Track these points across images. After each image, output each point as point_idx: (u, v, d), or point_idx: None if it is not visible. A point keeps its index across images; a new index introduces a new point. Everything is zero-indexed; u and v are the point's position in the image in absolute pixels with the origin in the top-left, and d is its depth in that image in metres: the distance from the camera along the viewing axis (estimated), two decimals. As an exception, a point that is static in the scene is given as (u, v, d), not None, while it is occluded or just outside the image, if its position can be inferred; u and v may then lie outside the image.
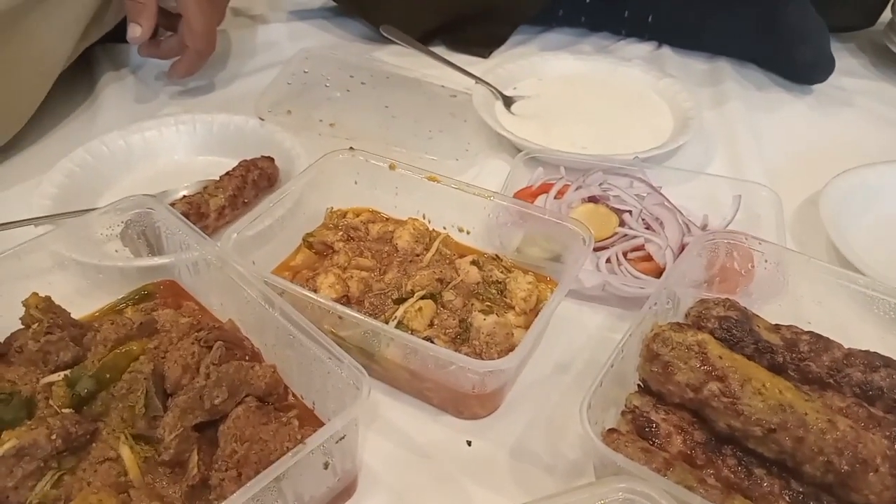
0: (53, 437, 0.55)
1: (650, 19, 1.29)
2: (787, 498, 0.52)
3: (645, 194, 0.84)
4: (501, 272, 0.73)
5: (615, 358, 0.56)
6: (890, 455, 0.52)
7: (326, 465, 0.56)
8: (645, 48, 1.30)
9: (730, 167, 1.00)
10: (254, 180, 0.91)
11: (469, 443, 0.65)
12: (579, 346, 0.74)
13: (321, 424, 0.58)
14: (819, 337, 0.62)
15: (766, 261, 0.70)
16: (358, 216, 0.82)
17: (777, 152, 1.05)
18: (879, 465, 0.51)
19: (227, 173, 0.91)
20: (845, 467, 0.51)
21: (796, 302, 0.70)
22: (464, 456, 0.64)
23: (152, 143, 1.00)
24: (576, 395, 0.68)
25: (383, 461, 0.63)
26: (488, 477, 0.62)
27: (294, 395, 0.64)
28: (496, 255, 0.75)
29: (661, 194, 0.84)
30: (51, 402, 0.61)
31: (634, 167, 0.88)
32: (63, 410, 0.59)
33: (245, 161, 0.93)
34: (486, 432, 0.66)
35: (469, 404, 0.65)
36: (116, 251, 0.79)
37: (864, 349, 0.62)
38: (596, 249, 0.78)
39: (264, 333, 0.67)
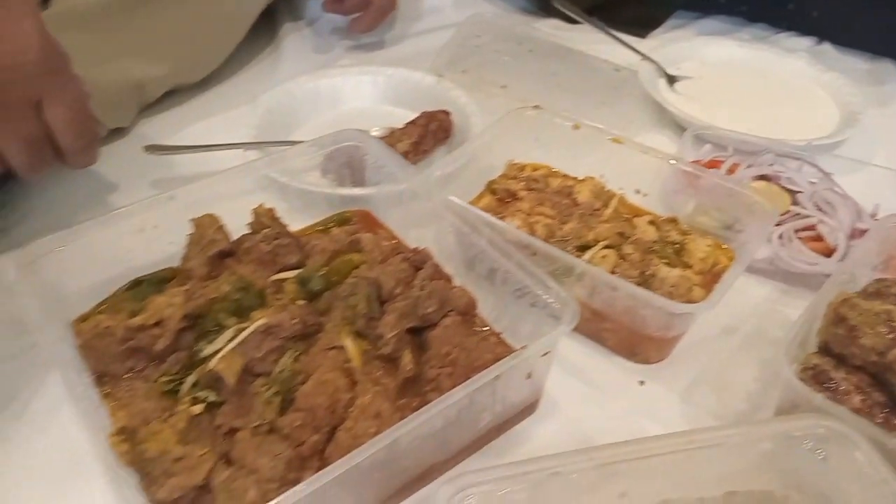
0: (294, 320, 0.64)
1: (815, 14, 1.29)
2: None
3: (816, 179, 0.87)
4: (679, 234, 0.77)
5: (807, 316, 0.60)
6: None
7: (529, 375, 0.62)
8: (805, 42, 1.30)
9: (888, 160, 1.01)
10: (433, 131, 0.99)
11: (642, 382, 0.70)
12: (746, 314, 0.77)
13: (510, 348, 0.65)
14: None
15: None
16: (536, 170, 0.88)
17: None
18: None
19: (412, 122, 0.99)
20: None
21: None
22: (636, 394, 0.70)
23: (339, 89, 1.09)
24: (743, 355, 0.73)
25: (560, 389, 0.69)
26: (660, 415, 0.68)
27: (483, 321, 0.71)
28: (673, 217, 0.80)
29: (832, 180, 0.87)
30: (279, 297, 0.70)
31: (805, 152, 0.91)
32: (297, 302, 0.68)
33: (426, 112, 1.00)
34: (658, 376, 0.71)
35: (645, 347, 0.71)
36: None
37: None
38: (769, 225, 0.82)
39: (458, 263, 0.74)
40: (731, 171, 0.88)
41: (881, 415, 0.58)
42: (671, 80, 1.12)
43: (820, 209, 0.83)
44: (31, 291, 0.64)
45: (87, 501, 0.60)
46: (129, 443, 0.55)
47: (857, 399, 0.59)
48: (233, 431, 0.59)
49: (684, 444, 0.51)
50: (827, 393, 0.59)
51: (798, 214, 0.82)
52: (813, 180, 0.87)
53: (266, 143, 0.95)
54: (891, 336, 0.59)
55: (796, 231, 0.81)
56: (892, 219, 0.73)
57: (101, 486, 0.60)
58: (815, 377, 0.61)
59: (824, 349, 0.64)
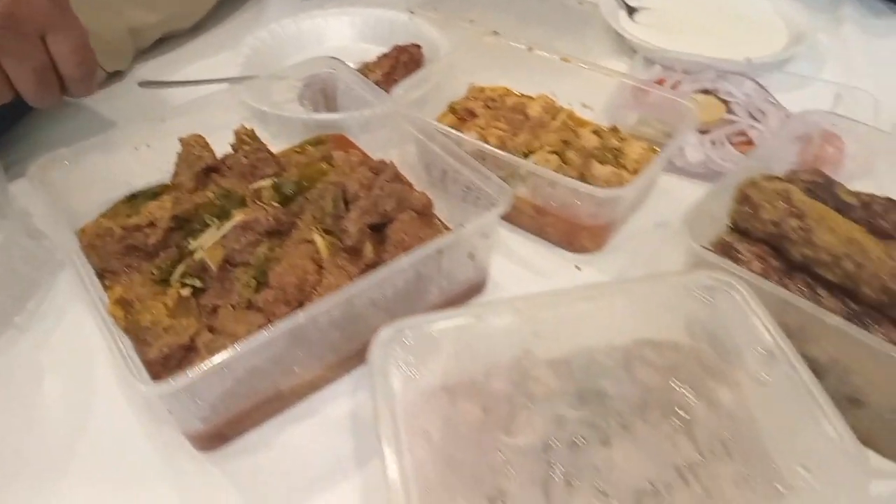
0: (269, 217, 0.73)
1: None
2: (843, 314, 0.64)
3: (753, 92, 0.94)
4: (618, 141, 0.85)
5: (715, 189, 0.69)
6: (937, 286, 0.62)
7: (471, 256, 0.71)
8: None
9: (836, 78, 1.07)
10: (404, 62, 1.07)
11: (578, 268, 0.79)
12: (679, 212, 0.84)
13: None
14: (892, 201, 0.72)
15: (856, 142, 0.79)
16: (494, 91, 0.96)
17: (887, 74, 1.10)
18: (927, 292, 0.62)
19: (384, 54, 1.07)
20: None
21: (881, 184, 0.79)
22: (572, 277, 0.78)
23: (320, 29, 1.17)
24: (671, 245, 0.81)
25: (507, 275, 0.78)
26: (595, 292, 0.76)
27: (440, 220, 0.80)
28: (614, 127, 0.88)
29: (767, 91, 0.94)
30: (258, 202, 0.79)
31: (746, 69, 0.98)
32: (273, 203, 0.77)
33: (398, 46, 1.09)
34: (594, 263, 0.80)
35: (581, 238, 0.79)
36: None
37: (934, 214, 0.71)
38: (703, 132, 0.90)
39: (415, 169, 0.83)
40: (674, 86, 0.95)
41: (777, 277, 0.67)
42: (631, 11, 1.19)
43: (752, 117, 0.90)
44: (44, 201, 0.74)
45: (97, 377, 0.70)
46: (126, 312, 0.65)
47: (757, 265, 0.68)
48: (216, 309, 0.68)
49: (592, 294, 0.60)
50: (732, 262, 0.68)
51: (731, 121, 0.89)
52: (750, 93, 0.94)
53: (250, 77, 1.04)
54: (786, 208, 0.68)
55: (729, 137, 0.89)
56: (811, 114, 0.80)
57: (105, 360, 0.70)
58: (723, 249, 0.70)
59: (733, 227, 0.72)
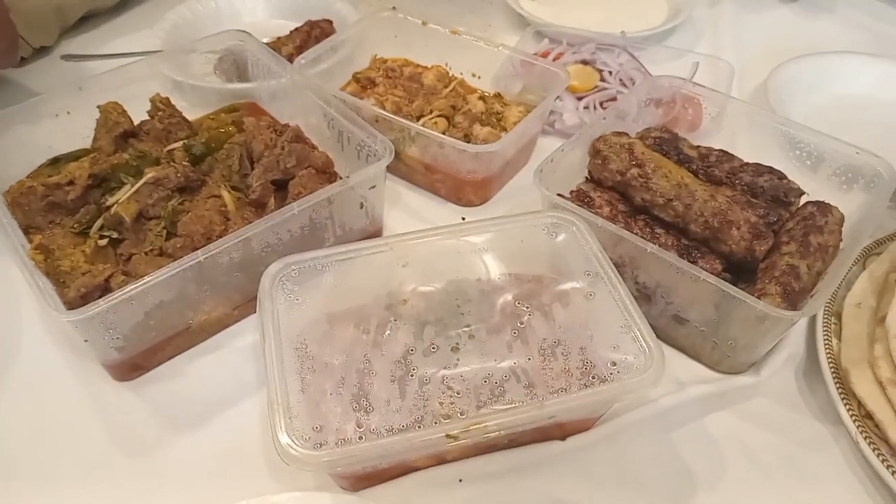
0: (178, 174, 0.81)
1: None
2: (677, 249, 0.75)
3: (626, 62, 1.05)
4: (501, 106, 0.96)
5: (566, 144, 0.79)
6: (750, 221, 0.74)
7: (361, 206, 0.81)
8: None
9: (709, 51, 1.19)
10: (316, 36, 1.15)
11: (464, 218, 0.89)
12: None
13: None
14: (727, 153, 0.84)
15: (712, 106, 0.91)
16: (395, 62, 1.05)
17: (754, 45, 1.22)
18: (742, 226, 0.73)
19: (296, 29, 1.15)
20: (717, 225, 0.74)
21: (732, 142, 0.90)
22: (459, 226, 0.89)
23: (236, 6, 1.24)
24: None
25: (401, 226, 0.88)
26: (475, 239, 0.87)
27: (341, 178, 0.89)
28: (498, 93, 0.98)
29: (638, 62, 1.05)
30: (171, 163, 0.87)
31: (622, 41, 1.09)
32: (184, 163, 0.85)
33: (311, 21, 1.16)
34: (478, 214, 0.90)
35: (466, 192, 0.89)
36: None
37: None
38: (580, 98, 1.01)
39: (322, 133, 0.92)
40: (556, 58, 1.06)
41: (621, 219, 0.78)
42: (530, -11, 1.29)
43: (623, 84, 1.01)
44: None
45: (23, 320, 0.77)
46: (47, 258, 0.73)
47: (606, 210, 0.79)
48: (130, 257, 0.76)
49: (455, 232, 0.70)
50: (585, 207, 0.79)
51: (603, 88, 1.00)
52: (623, 63, 1.05)
53: (168, 51, 1.10)
54: (629, 159, 0.79)
55: (602, 102, 1.00)
56: (663, 78, 0.91)
57: (30, 305, 0.78)
58: (579, 197, 0.80)
59: (589, 178, 0.83)
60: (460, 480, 0.60)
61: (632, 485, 0.63)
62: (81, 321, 0.63)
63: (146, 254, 0.76)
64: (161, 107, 0.92)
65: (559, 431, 0.64)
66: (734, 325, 0.69)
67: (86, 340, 0.67)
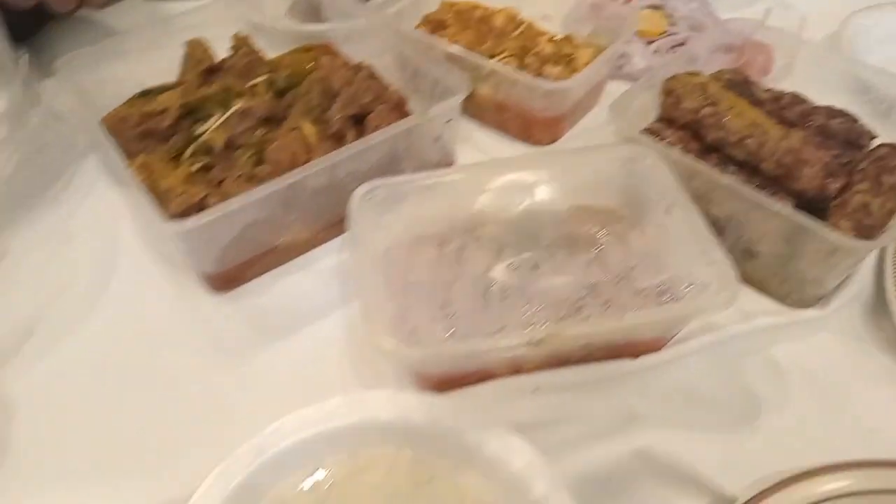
0: (264, 105, 0.85)
1: None
2: (750, 186, 0.77)
3: (697, 7, 1.06)
4: (571, 48, 0.97)
5: (642, 82, 0.81)
6: (823, 161, 0.75)
7: (437, 140, 0.84)
8: None
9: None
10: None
11: (538, 150, 0.92)
12: (625, 111, 0.98)
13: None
14: (799, 96, 0.84)
15: (782, 50, 0.91)
16: (464, 4, 1.07)
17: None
18: (815, 164, 0.75)
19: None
20: (790, 163, 0.75)
21: (803, 89, 0.90)
22: (529, 164, 0.91)
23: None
24: (615, 138, 0.94)
25: (471, 160, 0.91)
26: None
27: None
28: (568, 36, 0.99)
29: (708, 7, 1.05)
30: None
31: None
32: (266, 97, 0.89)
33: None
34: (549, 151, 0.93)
35: (537, 131, 0.92)
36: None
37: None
38: (650, 42, 1.01)
39: (393, 74, 0.94)
40: (626, 1, 1.06)
41: (694, 156, 0.80)
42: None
43: (693, 29, 1.02)
44: (70, 91, 0.85)
45: (121, 238, 0.83)
46: (147, 177, 0.77)
47: (678, 148, 0.81)
48: (221, 182, 0.81)
49: (532, 162, 0.72)
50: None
51: (673, 33, 1.01)
52: (694, 8, 1.05)
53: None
54: (703, 98, 0.80)
55: (672, 47, 1.00)
56: (734, 22, 0.92)
57: (128, 225, 0.83)
58: (651, 134, 0.82)
59: (662, 117, 0.85)
60: (536, 389, 0.64)
61: (699, 402, 0.66)
62: (187, 233, 0.68)
63: (237, 178, 0.80)
64: (242, 44, 0.95)
65: (631, 350, 0.67)
66: (804, 258, 0.71)
67: (186, 254, 0.72)
